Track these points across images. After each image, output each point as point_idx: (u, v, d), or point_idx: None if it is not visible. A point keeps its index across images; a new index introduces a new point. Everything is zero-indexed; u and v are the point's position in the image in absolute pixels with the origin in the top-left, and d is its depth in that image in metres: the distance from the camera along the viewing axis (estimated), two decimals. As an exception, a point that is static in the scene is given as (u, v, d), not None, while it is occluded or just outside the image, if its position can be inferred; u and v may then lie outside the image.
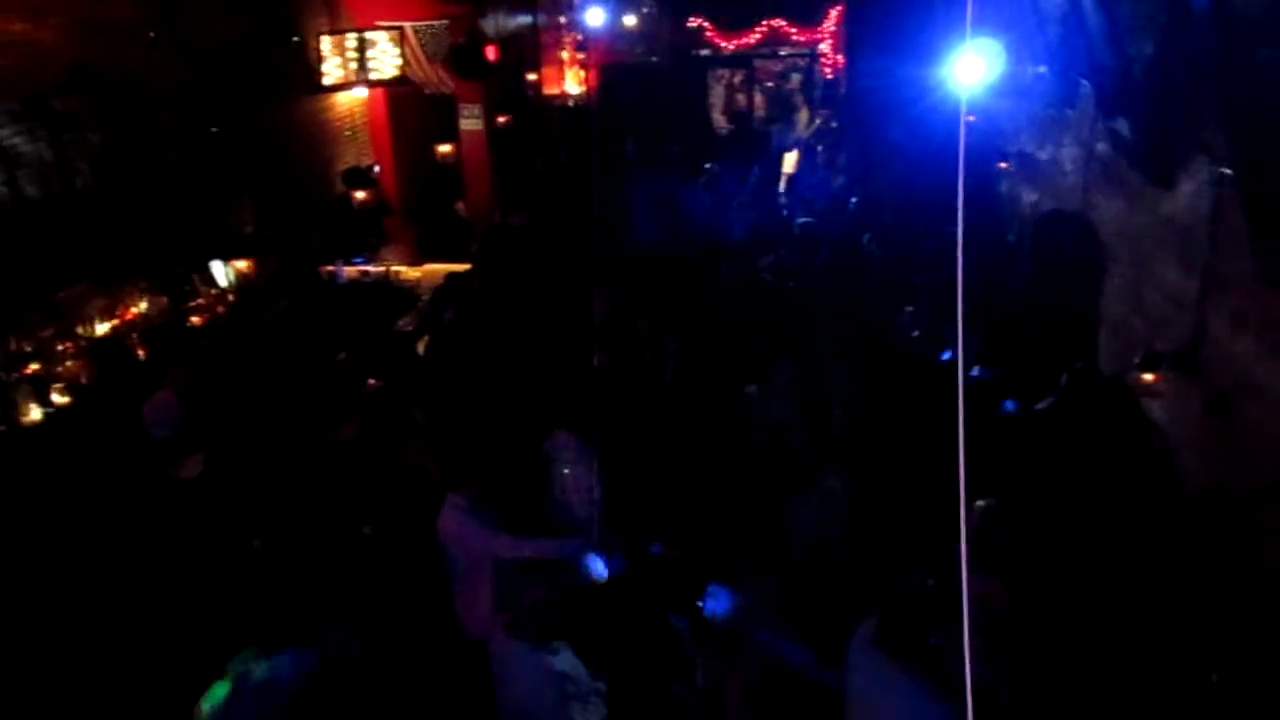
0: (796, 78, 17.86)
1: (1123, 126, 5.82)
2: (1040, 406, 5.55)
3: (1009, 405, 5.58)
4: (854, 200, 10.08)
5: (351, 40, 11.22)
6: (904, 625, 3.48)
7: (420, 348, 7.55)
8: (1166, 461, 5.34)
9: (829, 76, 16.73)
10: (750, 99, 17.94)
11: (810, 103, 16.95)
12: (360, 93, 12.01)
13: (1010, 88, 7.37)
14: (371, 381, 6.52)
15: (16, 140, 7.02)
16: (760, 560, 4.47)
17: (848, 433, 5.21)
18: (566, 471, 4.95)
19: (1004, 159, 8.47)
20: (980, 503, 4.01)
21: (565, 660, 4.10)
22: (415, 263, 10.40)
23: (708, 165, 11.79)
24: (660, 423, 5.83)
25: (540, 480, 5.10)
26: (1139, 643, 4.01)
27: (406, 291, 9.29)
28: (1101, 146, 6.36)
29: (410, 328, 8.15)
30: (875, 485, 4.76)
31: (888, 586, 3.57)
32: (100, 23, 7.80)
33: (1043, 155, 7.59)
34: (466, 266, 9.23)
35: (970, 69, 4.31)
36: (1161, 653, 4.00)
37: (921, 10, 8.24)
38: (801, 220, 8.97)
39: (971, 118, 3.97)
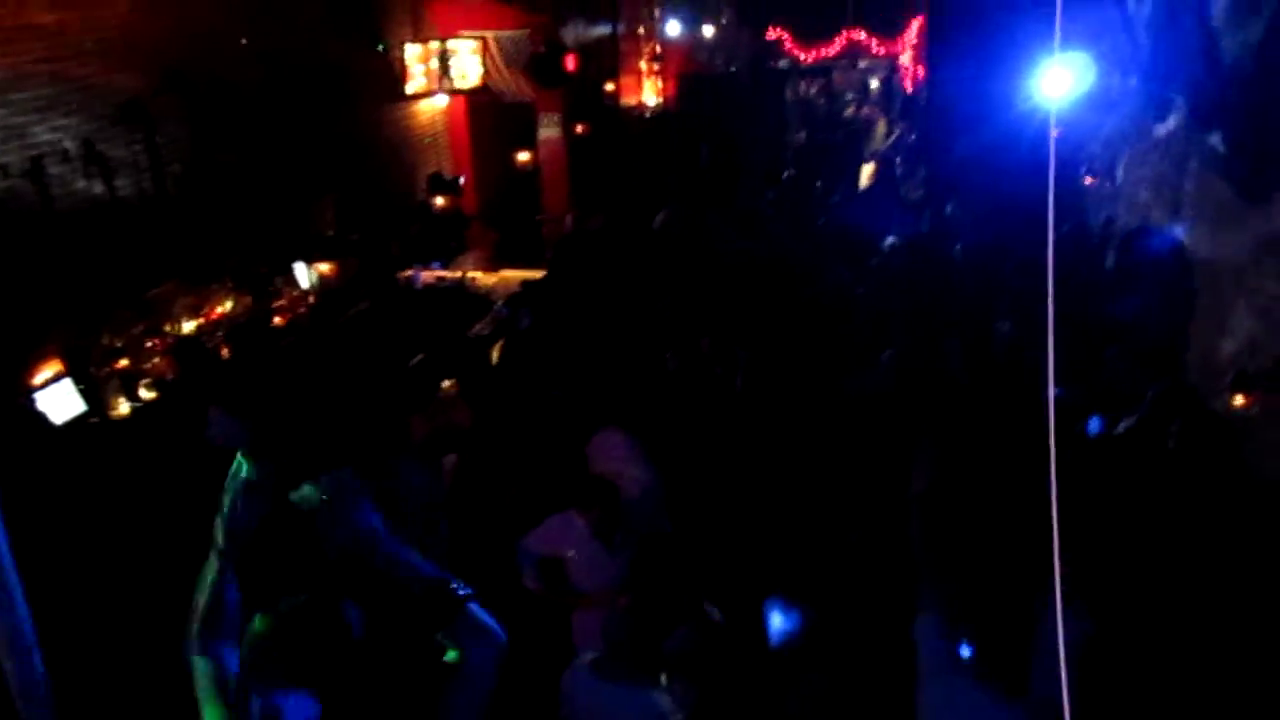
0: (875, 89, 17.72)
1: (1217, 142, 5.66)
2: (1124, 427, 5.42)
3: (1093, 425, 5.45)
4: (928, 214, 9.93)
5: (435, 49, 11.40)
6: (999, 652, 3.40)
7: (494, 354, 7.61)
8: (1253, 483, 5.15)
9: (908, 89, 16.57)
10: (828, 111, 17.83)
11: (888, 115, 16.80)
12: (441, 100, 12.20)
13: (1099, 101, 7.22)
14: (445, 384, 6.59)
15: (113, 143, 7.25)
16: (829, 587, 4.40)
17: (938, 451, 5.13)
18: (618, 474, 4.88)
19: (1091, 174, 8.29)
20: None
21: (660, 699, 3.94)
22: (491, 269, 10.52)
23: (784, 176, 11.75)
24: (727, 432, 5.79)
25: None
26: (1225, 668, 3.88)
27: (481, 297, 9.39)
28: (1194, 162, 6.19)
29: (485, 332, 8.23)
30: (965, 502, 4.67)
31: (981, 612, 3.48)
32: (193, 29, 8.03)
33: (1132, 171, 7.41)
34: (541, 273, 9.31)
35: (1058, 82, 4.24)
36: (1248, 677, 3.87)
37: (1007, 22, 8.10)
38: (891, 240, 8.76)
39: (1057, 131, 3.87)
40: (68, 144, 6.91)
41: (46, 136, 6.80)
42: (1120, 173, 7.67)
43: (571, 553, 4.46)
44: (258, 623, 2.25)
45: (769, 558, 4.85)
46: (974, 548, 4.24)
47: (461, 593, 2.39)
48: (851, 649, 4.27)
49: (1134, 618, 3.94)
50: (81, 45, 7.08)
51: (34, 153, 6.63)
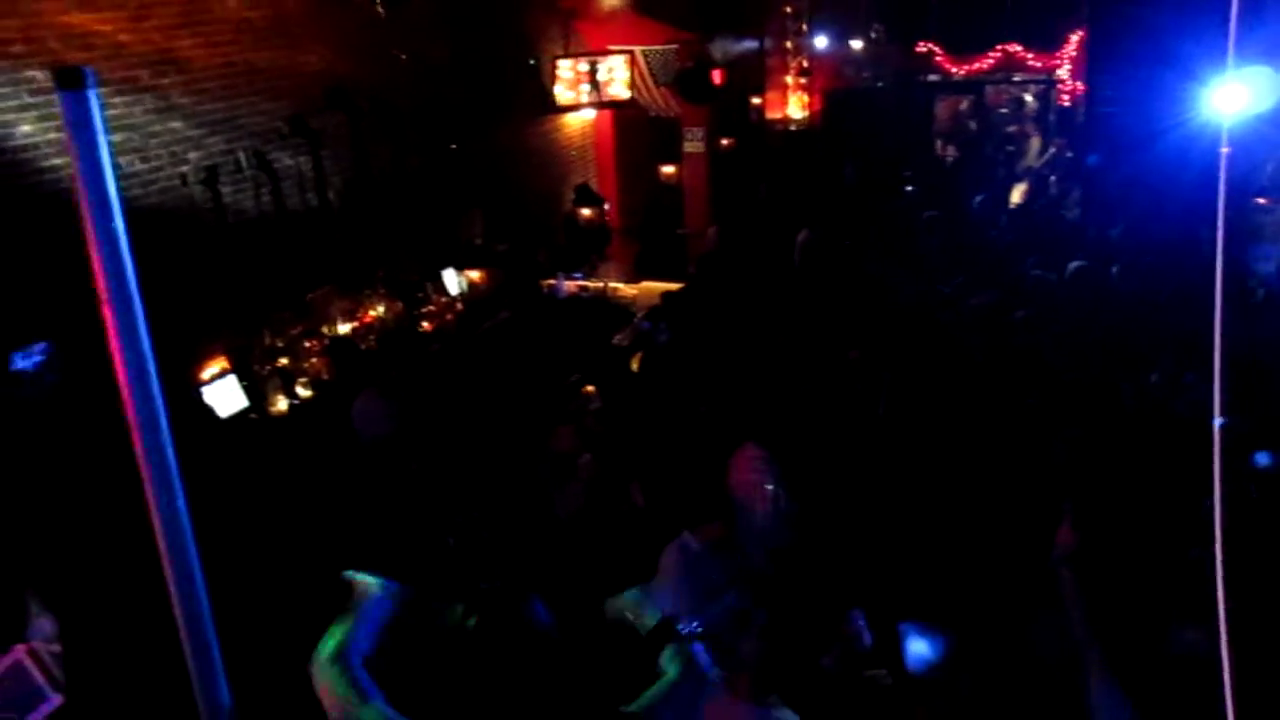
0: (1030, 104, 17.16)
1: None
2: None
3: (1261, 458, 5.14)
4: (1090, 236, 9.55)
5: (584, 64, 11.59)
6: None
7: (634, 364, 7.67)
8: None
9: (1065, 104, 15.98)
10: (980, 126, 17.34)
11: (1044, 131, 16.25)
12: (588, 114, 12.40)
13: (1271, 117, 6.83)
14: (589, 389, 6.65)
15: (281, 156, 7.66)
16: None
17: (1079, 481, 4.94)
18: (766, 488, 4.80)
19: (1261, 194, 7.86)
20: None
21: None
22: (632, 280, 10.62)
23: (932, 192, 11.50)
24: (868, 454, 5.69)
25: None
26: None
27: (622, 308, 9.49)
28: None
29: (625, 343, 8.30)
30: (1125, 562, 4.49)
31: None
32: (354, 47, 8.42)
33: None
34: (681, 285, 9.35)
35: (1233, 98, 4.02)
36: None
37: (1176, 33, 7.75)
38: (1075, 265, 8.30)
39: (1228, 149, 3.69)
40: (240, 155, 7.33)
41: (221, 147, 7.23)
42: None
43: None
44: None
45: (902, 582, 4.74)
46: (1140, 611, 4.06)
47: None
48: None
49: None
50: (254, 65, 7.53)
51: (210, 162, 7.06)
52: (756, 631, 3.81)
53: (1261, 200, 7.97)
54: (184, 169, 6.92)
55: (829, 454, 5.63)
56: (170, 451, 2.15)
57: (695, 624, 2.46)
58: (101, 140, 1.96)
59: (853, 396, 6.30)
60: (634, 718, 2.36)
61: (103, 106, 1.98)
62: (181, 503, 2.20)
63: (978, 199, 11.44)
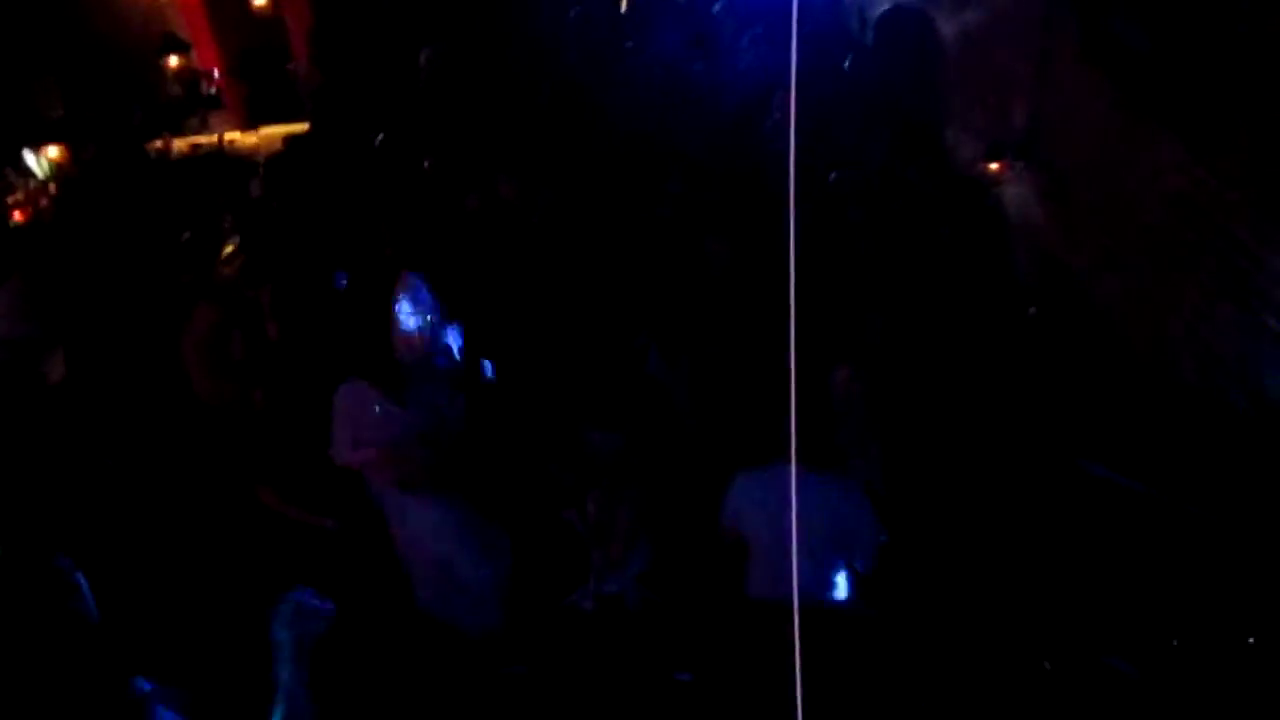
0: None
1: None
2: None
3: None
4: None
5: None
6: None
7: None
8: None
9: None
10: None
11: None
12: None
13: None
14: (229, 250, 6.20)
15: None
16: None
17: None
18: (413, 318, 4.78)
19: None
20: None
21: (460, 509, 4.15)
22: (250, 128, 9.84)
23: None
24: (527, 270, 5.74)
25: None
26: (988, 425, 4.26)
27: (244, 160, 8.82)
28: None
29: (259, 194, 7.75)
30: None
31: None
32: None
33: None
34: (304, 127, 8.80)
35: None
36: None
37: None
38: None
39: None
40: None
41: None
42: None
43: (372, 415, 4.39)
44: None
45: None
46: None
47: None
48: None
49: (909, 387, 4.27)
50: None
51: None
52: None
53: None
54: None
55: (490, 273, 5.65)
56: None
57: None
58: None
59: (510, 222, 6.24)
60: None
61: None
62: None
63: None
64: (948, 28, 6.35)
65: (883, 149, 6.15)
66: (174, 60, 9.80)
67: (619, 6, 9.44)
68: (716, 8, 9.46)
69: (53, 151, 8.14)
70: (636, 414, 4.52)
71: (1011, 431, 4.48)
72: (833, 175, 5.85)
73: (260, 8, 11.24)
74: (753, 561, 3.94)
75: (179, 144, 9.13)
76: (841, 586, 3.85)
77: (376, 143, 7.41)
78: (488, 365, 4.99)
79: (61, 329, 5.69)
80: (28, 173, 8.05)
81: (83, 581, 2.71)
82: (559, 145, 6.86)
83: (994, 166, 5.68)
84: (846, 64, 7.27)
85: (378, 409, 4.34)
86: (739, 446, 4.43)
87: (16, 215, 7.66)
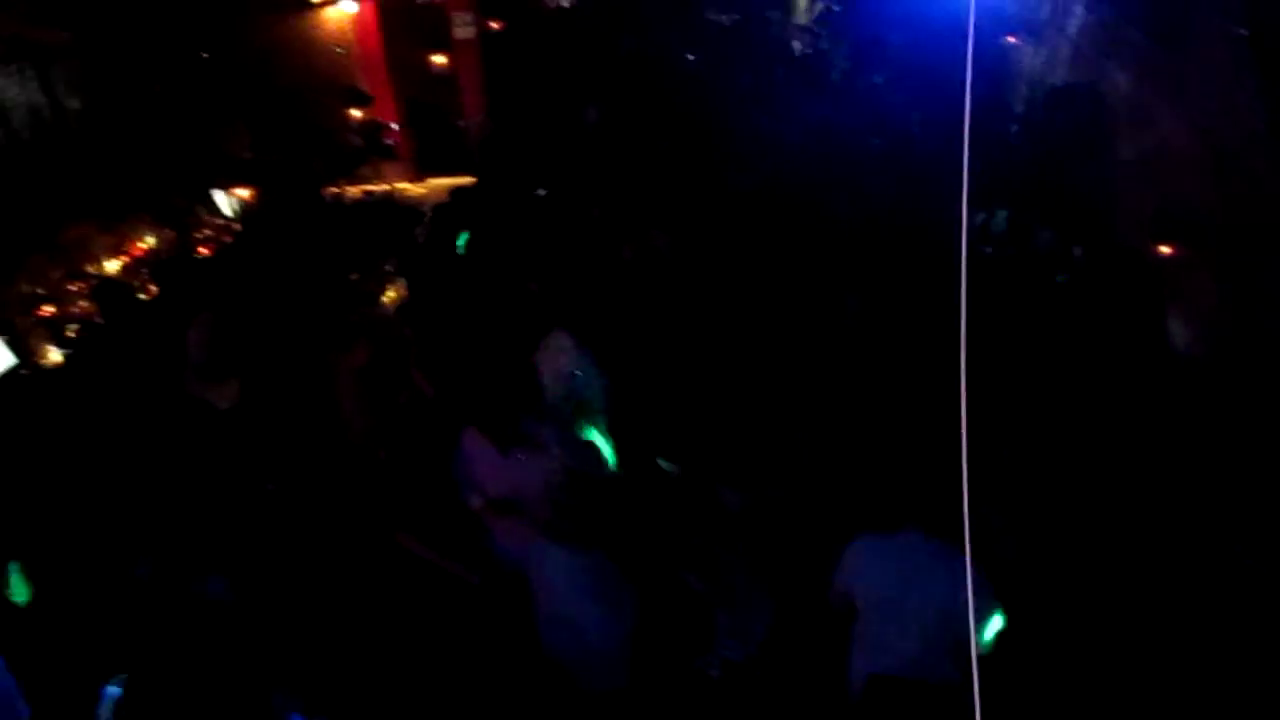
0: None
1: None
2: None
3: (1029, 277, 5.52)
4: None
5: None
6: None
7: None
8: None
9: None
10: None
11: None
12: (349, 7, 11.73)
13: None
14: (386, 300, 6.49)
15: (4, 81, 6.93)
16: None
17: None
18: (568, 371, 4.89)
19: (1012, 33, 8.23)
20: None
21: (598, 562, 4.14)
22: (418, 178, 10.29)
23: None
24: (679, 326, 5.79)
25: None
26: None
27: (411, 209, 9.22)
28: (1108, 11, 6.18)
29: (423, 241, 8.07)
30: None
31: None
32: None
33: (1051, 26, 7.37)
34: (469, 180, 9.14)
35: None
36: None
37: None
38: None
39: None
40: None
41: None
42: (1039, 26, 7.63)
43: (481, 466, 4.47)
44: None
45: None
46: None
47: None
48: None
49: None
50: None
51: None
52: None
53: (1012, 39, 8.33)
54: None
55: (640, 334, 5.72)
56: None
57: None
58: None
59: (663, 277, 6.34)
60: None
61: None
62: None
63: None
64: (1122, 105, 6.17)
65: (1048, 224, 5.99)
66: (355, 112, 10.40)
67: (788, 75, 9.59)
68: (879, 79, 9.48)
69: (242, 192, 8.70)
70: (773, 475, 4.47)
71: (1163, 513, 4.25)
72: (998, 249, 5.74)
73: (438, 66, 11.82)
74: (860, 629, 3.83)
75: (353, 190, 9.61)
76: (951, 663, 3.68)
77: (539, 196, 7.66)
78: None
79: (238, 360, 5.99)
80: (216, 210, 8.62)
81: (231, 600, 2.80)
82: (713, 201, 6.95)
83: (1164, 249, 5.45)
84: (1013, 133, 7.15)
85: (501, 456, 4.41)
86: (861, 510, 4.35)
87: (202, 250, 8.20)
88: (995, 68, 8.17)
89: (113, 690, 2.31)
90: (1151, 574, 4.09)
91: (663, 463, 4.84)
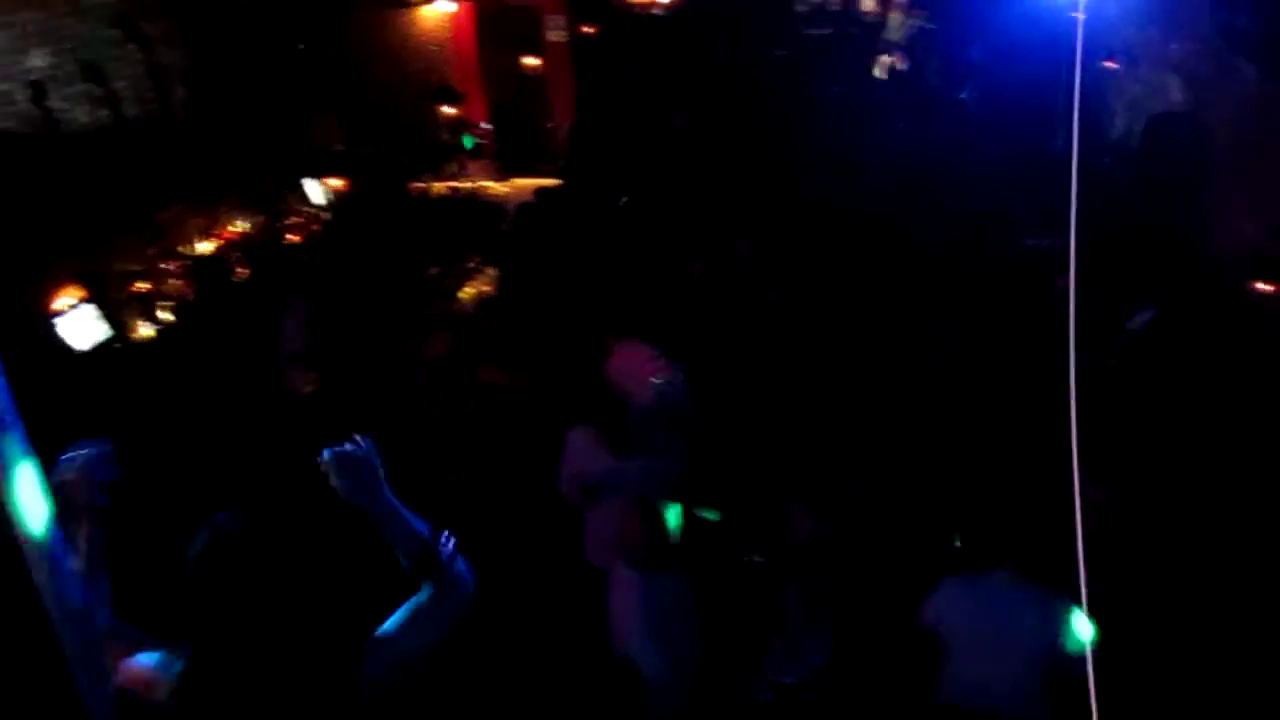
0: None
1: (1238, 17, 5.48)
2: (1141, 320, 5.36)
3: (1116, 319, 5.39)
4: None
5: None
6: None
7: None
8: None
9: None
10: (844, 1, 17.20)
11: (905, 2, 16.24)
12: (446, 6, 11.92)
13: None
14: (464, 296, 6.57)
15: (113, 64, 7.16)
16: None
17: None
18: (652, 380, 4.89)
19: (1110, 57, 8.05)
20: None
21: (674, 588, 4.10)
22: (503, 177, 10.40)
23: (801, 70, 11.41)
24: (758, 342, 5.76)
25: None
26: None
27: (496, 207, 9.32)
28: (1215, 40, 6.00)
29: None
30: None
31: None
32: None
33: (1153, 52, 7.20)
34: (554, 181, 9.21)
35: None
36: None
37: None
38: None
39: (1081, 15, 3.76)
40: (68, 68, 6.82)
41: (44, 63, 6.70)
42: (1141, 53, 7.45)
43: (590, 466, 4.50)
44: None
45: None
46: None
47: (445, 550, 2.43)
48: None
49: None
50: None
51: (36, 76, 6.55)
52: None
53: (1111, 64, 8.15)
54: (4, 88, 6.41)
55: (720, 344, 5.71)
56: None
57: (449, 541, 2.48)
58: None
59: (745, 281, 6.32)
60: (384, 640, 2.37)
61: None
62: (18, 441, 2.10)
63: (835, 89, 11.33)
64: (1227, 137, 6.00)
65: (1139, 254, 5.83)
66: (447, 109, 10.54)
67: (877, 88, 9.52)
68: (965, 94, 9.36)
69: (334, 182, 8.88)
70: (850, 505, 4.42)
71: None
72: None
73: (530, 66, 11.93)
74: (949, 667, 3.77)
75: (438, 186, 9.75)
76: (1043, 704, 3.62)
77: (621, 203, 7.69)
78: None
79: (330, 348, 6.12)
80: (306, 199, 8.81)
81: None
82: (801, 218, 6.91)
83: (1264, 286, 5.28)
84: (1108, 163, 7.00)
85: (603, 455, 4.45)
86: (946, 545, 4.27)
87: (291, 236, 8.39)
88: (1091, 93, 8.01)
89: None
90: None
91: (704, 512, 4.82)
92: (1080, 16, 3.99)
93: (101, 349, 6.50)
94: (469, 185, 9.89)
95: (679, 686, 4.10)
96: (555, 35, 11.95)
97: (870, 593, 4.36)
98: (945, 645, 3.78)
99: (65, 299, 6.49)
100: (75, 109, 6.88)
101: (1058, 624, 3.59)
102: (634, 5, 15.20)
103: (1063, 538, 2.19)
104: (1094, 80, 8.05)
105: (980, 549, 3.77)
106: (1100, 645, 3.44)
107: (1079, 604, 3.55)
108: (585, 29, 12.25)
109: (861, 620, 4.35)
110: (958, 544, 4.31)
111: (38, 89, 6.50)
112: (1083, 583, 1.96)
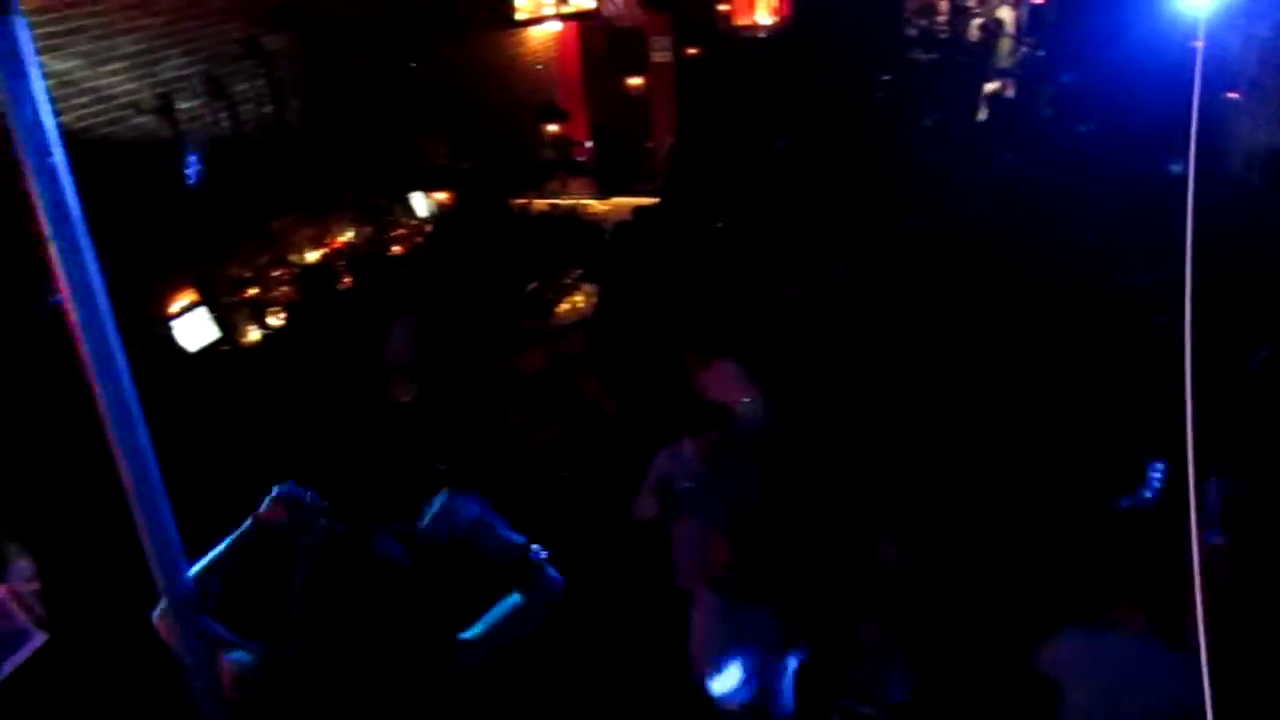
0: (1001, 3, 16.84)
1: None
2: (1258, 360, 5.16)
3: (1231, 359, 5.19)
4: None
5: (545, -27, 11.28)
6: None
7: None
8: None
9: (1037, 1, 15.70)
10: (953, 26, 17.01)
11: (1016, 29, 15.99)
12: (553, 26, 12.11)
13: (1242, 9, 6.76)
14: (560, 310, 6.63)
15: (237, 80, 7.44)
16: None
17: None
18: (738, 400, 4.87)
19: (1233, 89, 7.79)
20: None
21: (759, 621, 4.08)
22: (603, 196, 10.49)
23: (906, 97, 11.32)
24: (855, 364, 5.70)
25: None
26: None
27: (593, 225, 9.41)
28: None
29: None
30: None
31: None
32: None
33: (1276, 84, 6.94)
34: (653, 201, 9.26)
35: (1204, -11, 3.94)
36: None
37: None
38: None
39: (1200, 43, 3.63)
40: (193, 80, 7.10)
41: (173, 73, 6.99)
42: (1265, 86, 7.20)
43: (687, 482, 4.49)
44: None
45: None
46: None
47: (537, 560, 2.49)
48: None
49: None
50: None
51: (162, 89, 6.84)
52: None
53: (1233, 95, 7.89)
54: (135, 97, 6.70)
55: (815, 365, 5.66)
56: (128, 386, 2.12)
57: (541, 552, 2.51)
58: (33, 70, 1.88)
59: (841, 310, 6.27)
60: (472, 645, 2.40)
61: (36, 34, 1.89)
62: (144, 438, 2.18)
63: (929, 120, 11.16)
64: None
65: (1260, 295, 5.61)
66: (551, 127, 10.69)
67: (985, 116, 9.38)
68: (1083, 129, 9.14)
69: (439, 196, 9.07)
70: (945, 529, 4.33)
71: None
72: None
73: (633, 86, 12.05)
74: (1065, 716, 3.66)
75: (539, 203, 9.88)
76: None
77: (718, 225, 7.70)
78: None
79: (428, 358, 6.25)
80: (411, 212, 9.01)
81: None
82: (902, 245, 6.82)
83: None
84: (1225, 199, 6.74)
85: (696, 464, 4.45)
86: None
87: (396, 248, 8.59)
88: (1211, 126, 7.74)
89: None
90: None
91: None
92: (1200, 45, 3.87)
93: (209, 350, 6.73)
94: (568, 202, 9.99)
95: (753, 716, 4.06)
96: (660, 56, 12.07)
97: (961, 631, 4.27)
98: (1068, 699, 3.67)
99: (181, 302, 6.76)
100: (198, 123, 7.16)
101: (1181, 683, 3.46)
102: (739, 28, 15.29)
103: (1182, 587, 2.11)
104: (1214, 112, 7.79)
105: (1097, 597, 3.65)
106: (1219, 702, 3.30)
107: (1199, 658, 3.43)
108: (690, 51, 12.34)
109: (949, 658, 4.25)
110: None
111: (165, 98, 6.78)
112: (1201, 634, 1.86)
